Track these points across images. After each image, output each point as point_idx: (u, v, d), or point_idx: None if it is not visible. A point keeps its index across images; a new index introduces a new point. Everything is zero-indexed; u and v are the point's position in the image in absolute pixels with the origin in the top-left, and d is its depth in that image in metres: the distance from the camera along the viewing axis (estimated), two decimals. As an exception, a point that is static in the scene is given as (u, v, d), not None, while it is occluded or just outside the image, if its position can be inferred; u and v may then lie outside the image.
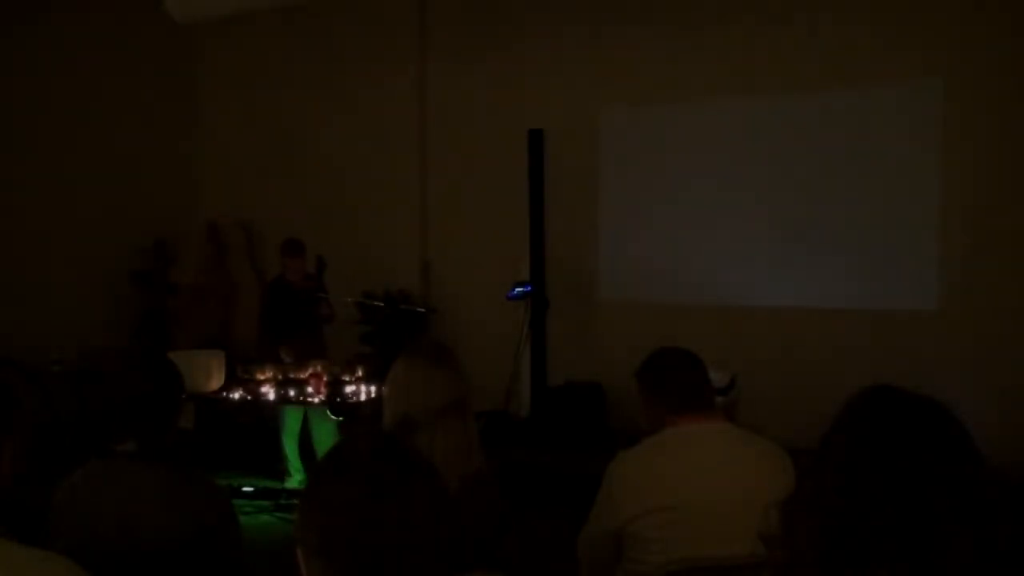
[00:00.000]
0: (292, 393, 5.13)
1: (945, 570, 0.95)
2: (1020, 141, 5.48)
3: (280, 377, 5.22)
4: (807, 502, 1.04)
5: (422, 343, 2.58)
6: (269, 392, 5.17)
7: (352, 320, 7.02)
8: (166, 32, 7.59)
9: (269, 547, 4.51)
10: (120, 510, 1.97)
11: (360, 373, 5.34)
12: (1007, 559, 0.97)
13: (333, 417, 5.19)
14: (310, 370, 5.22)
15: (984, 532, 0.97)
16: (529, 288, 6.43)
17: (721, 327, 6.11)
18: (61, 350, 6.68)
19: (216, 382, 5.29)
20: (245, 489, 5.46)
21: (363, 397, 5.13)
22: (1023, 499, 1.07)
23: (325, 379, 5.13)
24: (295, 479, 5.63)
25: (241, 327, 7.72)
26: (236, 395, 5.19)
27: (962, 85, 5.58)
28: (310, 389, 5.12)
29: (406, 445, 1.26)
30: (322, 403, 5.11)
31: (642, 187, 6.71)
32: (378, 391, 5.06)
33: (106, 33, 7.56)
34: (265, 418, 5.97)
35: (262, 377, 5.23)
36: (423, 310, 6.99)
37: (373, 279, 7.23)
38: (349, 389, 5.16)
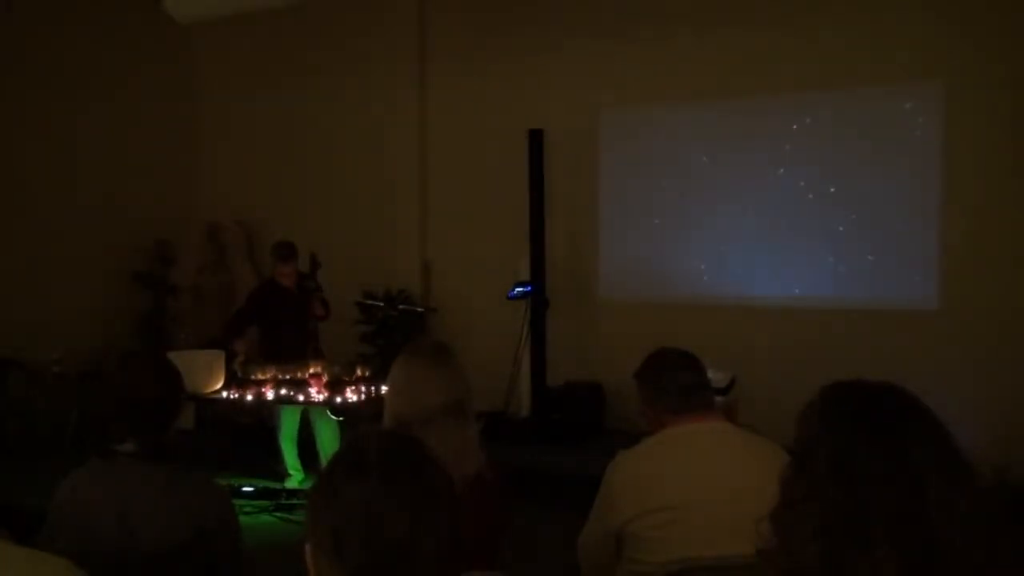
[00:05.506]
0: (291, 393, 5.13)
1: (942, 541, 0.98)
2: (1020, 142, 5.48)
3: (280, 377, 5.22)
4: (802, 501, 1.05)
5: (422, 343, 2.57)
6: (268, 392, 5.17)
7: (352, 320, 7.02)
8: (166, 32, 7.59)
9: (269, 547, 4.51)
10: (120, 510, 1.96)
11: (360, 373, 5.34)
12: (993, 522, 1.01)
13: (333, 417, 5.19)
14: (310, 370, 5.22)
15: (972, 499, 1.01)
16: (529, 288, 6.42)
17: (721, 327, 6.11)
18: (61, 350, 6.68)
19: (216, 382, 5.29)
20: (245, 489, 5.45)
21: (363, 397, 5.12)
22: (1023, 498, 1.08)
23: (325, 379, 5.13)
24: (295, 479, 5.63)
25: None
26: (236, 395, 5.19)
27: (963, 86, 5.59)
28: (311, 389, 5.12)
29: (419, 444, 1.26)
30: (322, 403, 5.11)
31: (642, 187, 6.71)
32: (378, 391, 5.06)
33: (106, 33, 7.56)
34: (265, 418, 5.98)
35: (262, 377, 5.23)
36: (423, 310, 6.99)
37: (373, 279, 7.23)
38: (349, 389, 5.16)
